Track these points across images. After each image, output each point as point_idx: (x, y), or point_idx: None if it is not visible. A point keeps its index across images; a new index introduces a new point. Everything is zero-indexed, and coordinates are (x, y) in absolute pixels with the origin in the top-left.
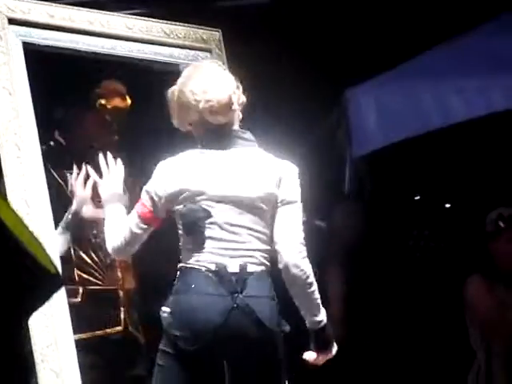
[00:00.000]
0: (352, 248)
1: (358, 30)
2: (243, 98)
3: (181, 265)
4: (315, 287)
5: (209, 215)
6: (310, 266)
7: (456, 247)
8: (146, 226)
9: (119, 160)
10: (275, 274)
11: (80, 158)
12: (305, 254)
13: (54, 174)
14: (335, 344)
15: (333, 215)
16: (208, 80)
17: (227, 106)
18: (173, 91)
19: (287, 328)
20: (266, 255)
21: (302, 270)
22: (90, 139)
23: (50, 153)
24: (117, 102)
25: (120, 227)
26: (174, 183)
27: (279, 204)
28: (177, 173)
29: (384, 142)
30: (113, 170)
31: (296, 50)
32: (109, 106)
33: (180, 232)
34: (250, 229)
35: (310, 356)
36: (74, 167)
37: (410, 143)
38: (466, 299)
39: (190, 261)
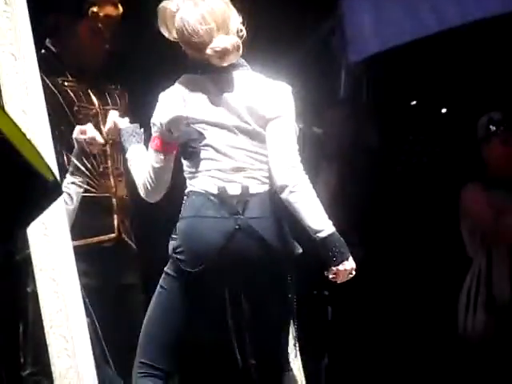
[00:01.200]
0: (347, 153)
1: None
2: (245, 33)
3: (186, 190)
4: (311, 199)
5: (203, 137)
6: (302, 178)
7: (452, 153)
8: (163, 157)
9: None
10: None
11: (71, 65)
12: (296, 167)
13: (47, 81)
14: (350, 258)
15: (328, 120)
16: (212, 17)
17: (234, 52)
18: (170, 16)
19: (299, 250)
20: (268, 175)
21: (293, 185)
22: (81, 47)
23: (42, 61)
24: (109, 9)
25: (144, 171)
26: (172, 111)
27: (268, 121)
28: (174, 101)
29: (380, 47)
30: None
31: None
32: (101, 14)
33: (182, 159)
34: (248, 150)
35: (329, 273)
36: (66, 74)
37: (406, 48)
38: (462, 208)
39: (192, 185)
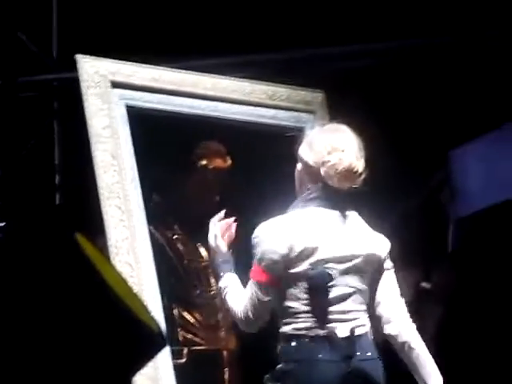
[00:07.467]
0: (456, 308)
1: (459, 89)
2: None
3: (286, 331)
4: (427, 356)
5: (331, 279)
6: (417, 335)
7: None
8: (271, 290)
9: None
10: None
11: (181, 218)
12: (412, 324)
13: (156, 234)
14: None
15: (437, 275)
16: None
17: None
18: (320, 155)
19: None
20: (367, 316)
21: (414, 342)
22: (191, 200)
23: (150, 214)
24: (218, 162)
25: (245, 301)
26: (295, 244)
27: (384, 270)
28: (293, 233)
29: (489, 202)
30: (219, 234)
31: (399, 112)
32: (210, 167)
33: (292, 295)
34: (358, 291)
35: None
36: (175, 227)
37: None
38: None
39: (300, 327)
